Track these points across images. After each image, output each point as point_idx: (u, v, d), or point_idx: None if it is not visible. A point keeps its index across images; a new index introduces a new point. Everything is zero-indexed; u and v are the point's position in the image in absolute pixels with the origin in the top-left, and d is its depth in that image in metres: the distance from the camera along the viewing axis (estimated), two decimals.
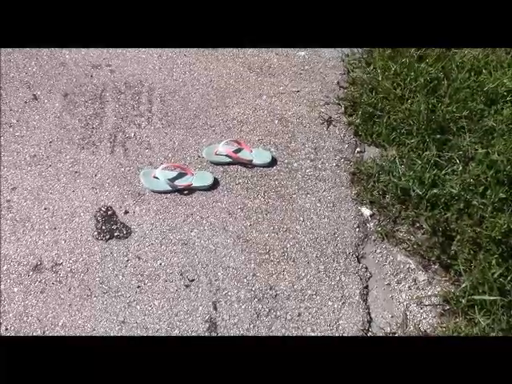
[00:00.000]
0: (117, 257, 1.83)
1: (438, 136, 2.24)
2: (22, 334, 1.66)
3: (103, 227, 1.90)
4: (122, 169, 2.09)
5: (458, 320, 1.74)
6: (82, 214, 1.94)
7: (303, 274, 1.83)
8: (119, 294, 1.75)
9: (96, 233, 1.89)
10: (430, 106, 2.35)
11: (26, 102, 2.31)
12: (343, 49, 2.70)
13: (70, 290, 1.75)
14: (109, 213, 1.95)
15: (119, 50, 2.59)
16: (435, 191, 2.02)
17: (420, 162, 2.12)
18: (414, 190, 2.02)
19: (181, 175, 2.06)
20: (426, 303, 1.81)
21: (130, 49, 2.59)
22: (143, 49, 2.61)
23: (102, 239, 1.87)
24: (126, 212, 1.96)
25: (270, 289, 1.79)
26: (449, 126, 2.29)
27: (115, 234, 1.89)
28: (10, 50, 2.54)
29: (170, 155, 2.16)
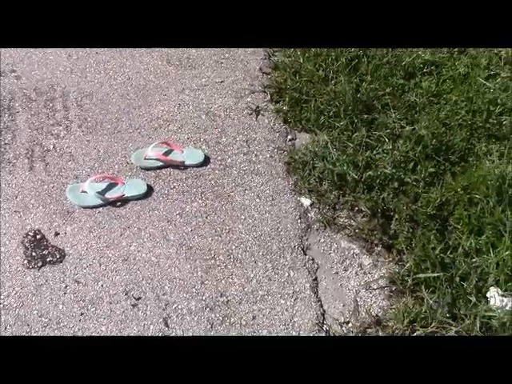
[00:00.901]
0: (53, 284, 1.71)
1: (366, 116, 2.26)
2: None
3: (33, 254, 1.77)
4: (45, 186, 1.94)
5: (405, 299, 1.78)
6: (7, 242, 1.79)
7: (252, 275, 1.80)
8: (61, 325, 1.63)
9: (26, 261, 1.75)
10: (354, 86, 2.36)
11: None
12: None
13: (5, 328, 1.61)
14: (37, 237, 1.81)
15: (23, 53, 2.39)
16: (370, 173, 2.04)
17: (351, 145, 2.14)
18: (349, 175, 2.03)
19: (111, 186, 1.95)
20: (374, 287, 1.84)
21: (35, 51, 2.39)
22: (50, 49, 2.42)
23: (33, 267, 1.74)
24: (57, 234, 1.83)
25: (221, 295, 1.75)
26: (373, 104, 2.32)
27: (48, 259, 1.76)
28: None
29: (96, 165, 2.03)
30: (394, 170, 2.06)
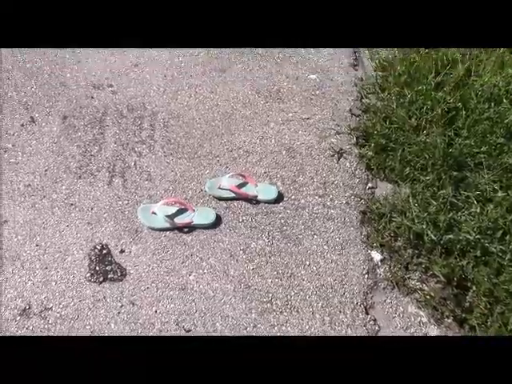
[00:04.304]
0: (110, 302, 1.73)
1: (455, 173, 2.11)
2: None
3: (97, 268, 1.80)
4: (120, 202, 1.99)
5: None
6: (75, 252, 1.83)
7: (307, 327, 1.72)
8: None
9: (89, 274, 1.79)
10: (447, 139, 2.22)
11: (22, 125, 2.21)
12: (357, 73, 2.58)
13: None
14: (104, 251, 1.84)
15: (123, 69, 2.48)
16: (451, 236, 1.90)
17: (435, 203, 2.00)
18: (427, 235, 1.90)
19: (181, 211, 1.95)
20: None
21: (135, 68, 2.48)
22: (148, 68, 2.50)
23: (95, 281, 1.77)
24: (122, 251, 1.85)
25: None
26: (466, 161, 2.17)
27: (109, 275, 1.79)
28: (9, 67, 2.43)
29: (170, 188, 2.05)
30: (478, 237, 1.89)
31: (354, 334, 1.72)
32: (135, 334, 1.67)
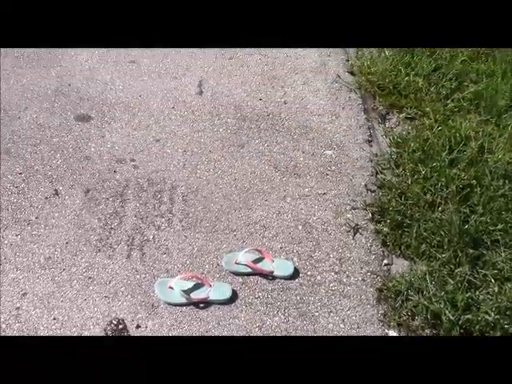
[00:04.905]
0: None
1: (471, 251, 2.11)
2: None
3: None
4: (138, 276, 2.01)
5: None
6: (91, 326, 1.84)
7: None
8: None
9: None
10: (462, 216, 2.24)
11: (46, 198, 2.28)
12: (372, 149, 2.64)
13: None
14: (120, 326, 1.85)
15: (145, 144, 2.57)
16: (469, 316, 1.88)
17: (452, 281, 2.00)
18: (445, 315, 1.88)
19: (198, 286, 1.97)
20: None
21: (156, 143, 2.57)
22: (169, 143, 2.59)
23: None
24: (138, 326, 1.86)
25: None
26: (482, 238, 2.17)
27: None
28: (37, 141, 2.54)
29: (188, 262, 2.07)
30: (497, 317, 1.87)
31: None
32: None
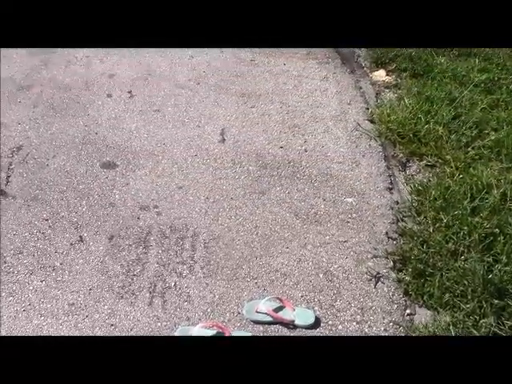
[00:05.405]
0: None
1: (496, 301, 2.07)
2: None
3: None
4: (159, 323, 2.02)
5: None
6: None
7: None
8: None
9: None
10: (486, 266, 2.21)
11: (71, 244, 2.33)
12: (393, 196, 2.65)
13: None
14: None
15: (167, 191, 2.62)
16: None
17: (477, 333, 1.95)
18: None
19: (218, 335, 1.96)
20: None
21: (179, 190, 2.62)
22: (191, 190, 2.63)
23: None
24: None
25: None
26: (507, 288, 2.14)
27: None
28: (64, 188, 2.61)
29: (208, 310, 2.08)
30: None
31: None
32: None
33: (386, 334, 2.02)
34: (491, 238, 2.32)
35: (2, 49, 3.69)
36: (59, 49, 3.79)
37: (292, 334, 2.01)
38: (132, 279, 2.19)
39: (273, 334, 2.00)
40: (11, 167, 2.73)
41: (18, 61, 3.65)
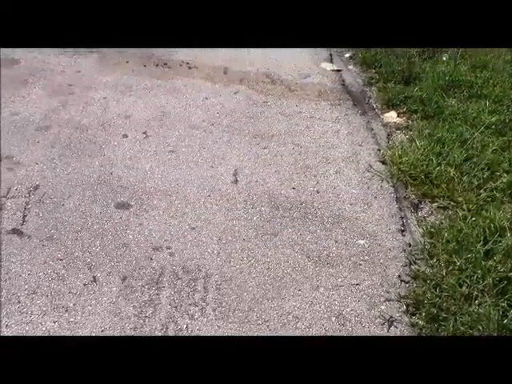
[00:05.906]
0: None
1: None
2: None
3: None
4: None
5: None
6: None
7: None
8: None
9: None
10: (501, 310, 2.19)
11: (85, 285, 2.34)
12: (405, 238, 2.65)
13: None
14: None
15: (181, 232, 2.64)
16: None
17: None
18: None
19: None
20: None
21: (192, 231, 2.64)
22: (204, 231, 2.65)
23: None
24: None
25: None
26: None
27: None
28: (78, 228, 2.65)
29: None
30: None
31: None
32: None
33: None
34: (505, 281, 2.31)
35: (20, 90, 3.79)
36: (78, 90, 3.90)
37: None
38: (144, 321, 2.19)
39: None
40: (28, 207, 2.78)
41: (38, 101, 3.75)
